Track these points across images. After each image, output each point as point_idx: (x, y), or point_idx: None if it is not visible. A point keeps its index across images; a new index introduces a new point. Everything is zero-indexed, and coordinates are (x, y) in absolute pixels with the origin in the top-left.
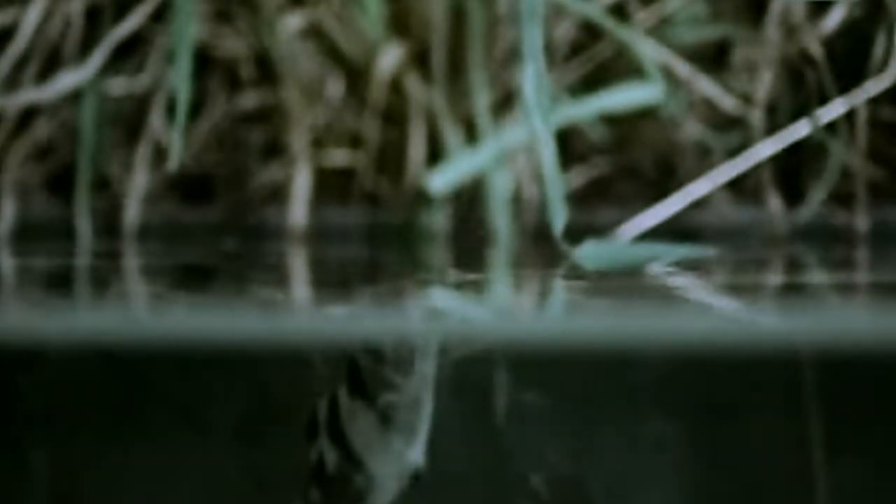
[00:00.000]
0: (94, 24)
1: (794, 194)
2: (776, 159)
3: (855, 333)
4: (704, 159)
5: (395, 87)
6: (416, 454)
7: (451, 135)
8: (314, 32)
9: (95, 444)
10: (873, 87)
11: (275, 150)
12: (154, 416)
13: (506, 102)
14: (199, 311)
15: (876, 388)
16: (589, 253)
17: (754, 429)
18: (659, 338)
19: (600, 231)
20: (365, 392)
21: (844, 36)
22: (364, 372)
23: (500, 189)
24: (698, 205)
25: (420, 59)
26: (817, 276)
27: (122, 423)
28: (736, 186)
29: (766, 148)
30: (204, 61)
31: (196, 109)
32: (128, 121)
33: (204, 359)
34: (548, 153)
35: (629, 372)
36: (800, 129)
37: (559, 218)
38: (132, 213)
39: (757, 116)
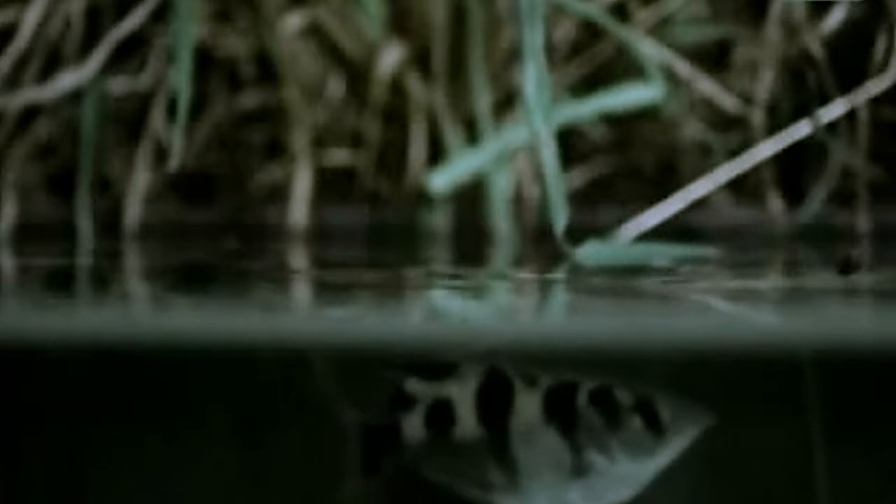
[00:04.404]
0: (94, 24)
1: (794, 194)
2: (777, 159)
3: (855, 333)
4: (705, 159)
5: (396, 86)
6: None
7: (452, 135)
8: (314, 32)
9: (95, 443)
10: (874, 87)
11: (275, 149)
12: (154, 416)
13: (506, 102)
14: (199, 310)
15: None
16: (590, 253)
17: (754, 428)
18: (659, 337)
19: (601, 231)
20: (561, 422)
21: (844, 36)
22: (568, 401)
23: (500, 189)
24: (698, 205)
25: (420, 59)
26: (817, 277)
27: (122, 423)
28: (736, 186)
29: (767, 148)
30: (204, 61)
31: (196, 109)
32: (128, 120)
33: (204, 359)
34: (548, 153)
35: (629, 372)
36: (800, 129)
37: (560, 218)
38: (133, 212)
39: (757, 116)
